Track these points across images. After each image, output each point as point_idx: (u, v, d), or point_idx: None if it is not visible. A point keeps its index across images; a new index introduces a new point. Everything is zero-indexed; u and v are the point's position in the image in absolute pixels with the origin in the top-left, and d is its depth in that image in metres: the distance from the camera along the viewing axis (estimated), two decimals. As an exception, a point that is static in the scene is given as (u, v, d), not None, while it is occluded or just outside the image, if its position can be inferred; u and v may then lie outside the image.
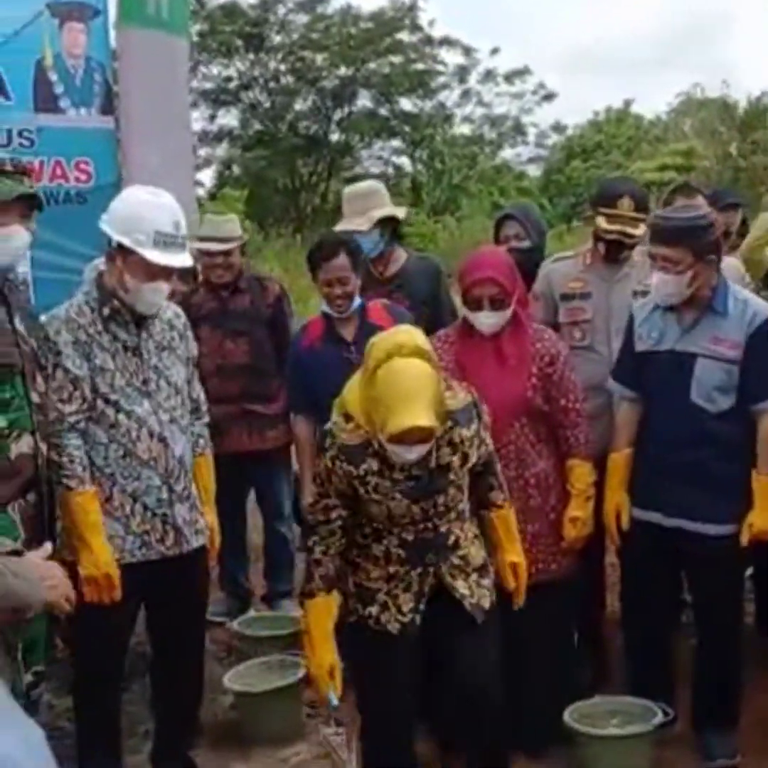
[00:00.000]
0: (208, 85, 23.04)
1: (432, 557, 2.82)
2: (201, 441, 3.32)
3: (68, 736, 3.26)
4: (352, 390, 2.83)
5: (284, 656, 3.91)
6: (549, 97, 25.46)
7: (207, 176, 23.58)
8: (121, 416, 3.00)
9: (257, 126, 23.51)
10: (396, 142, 24.53)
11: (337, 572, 2.85)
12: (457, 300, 3.61)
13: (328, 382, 3.91)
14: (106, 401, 2.99)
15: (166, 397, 3.08)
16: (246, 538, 4.92)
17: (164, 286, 3.03)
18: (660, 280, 3.23)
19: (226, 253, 4.50)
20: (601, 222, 3.72)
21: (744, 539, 3.19)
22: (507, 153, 26.40)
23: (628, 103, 27.05)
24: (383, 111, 23.79)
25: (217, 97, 23.26)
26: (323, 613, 2.84)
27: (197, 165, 20.05)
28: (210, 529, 3.28)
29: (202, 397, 3.35)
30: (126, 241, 2.95)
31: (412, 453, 2.62)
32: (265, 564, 4.88)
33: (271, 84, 23.37)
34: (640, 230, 3.68)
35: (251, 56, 23.21)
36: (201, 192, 19.72)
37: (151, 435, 3.03)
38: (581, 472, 3.37)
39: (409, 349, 2.59)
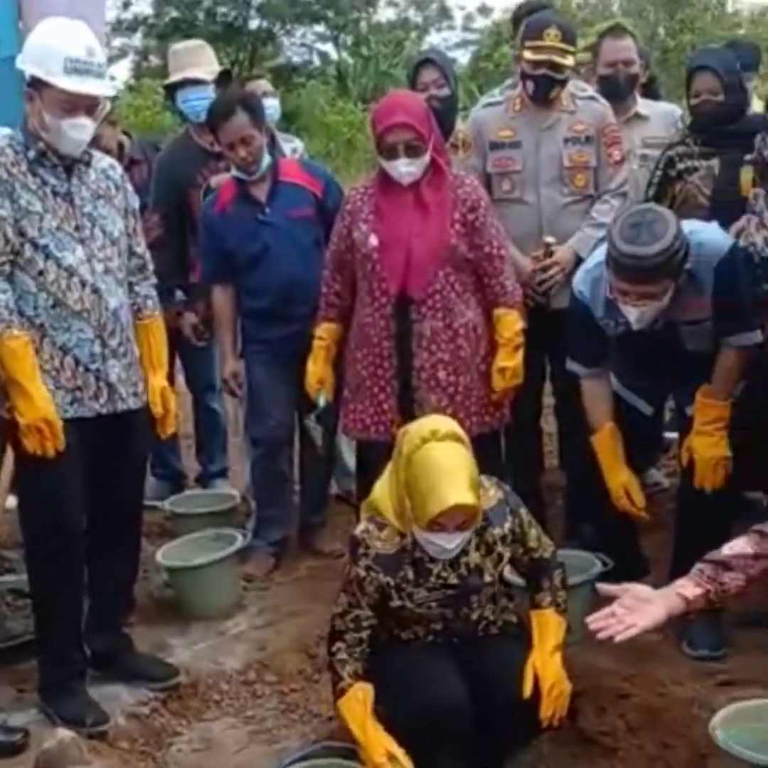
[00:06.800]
0: (120, -29, 22.03)
1: (458, 639, 2.72)
2: (149, 302, 3.16)
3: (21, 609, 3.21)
4: (381, 487, 2.68)
5: (218, 531, 3.85)
6: (474, -23, 24.79)
7: (123, 68, 22.72)
8: (51, 263, 2.84)
9: (173, 13, 22.62)
10: (319, 28, 23.83)
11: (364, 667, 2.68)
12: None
13: (243, 246, 3.79)
14: (35, 246, 2.83)
15: (101, 246, 2.92)
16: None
17: (86, 122, 2.85)
18: (640, 312, 2.93)
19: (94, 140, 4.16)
20: (528, 55, 3.56)
21: (683, 461, 3.15)
22: (434, 38, 25.86)
23: (555, -15, 26.50)
24: (304, -6, 23.03)
25: (130, -17, 22.30)
26: (362, 702, 2.62)
27: (110, 57, 19.16)
28: (160, 391, 3.11)
29: (148, 255, 3.17)
30: (38, 72, 2.79)
31: (452, 541, 2.49)
32: (197, 443, 4.79)
33: (186, -32, 22.41)
34: (569, 61, 3.55)
35: (164, -62, 22.19)
36: (118, 85, 18.97)
37: (83, 285, 2.88)
38: (508, 321, 3.31)
39: (444, 434, 2.48)
